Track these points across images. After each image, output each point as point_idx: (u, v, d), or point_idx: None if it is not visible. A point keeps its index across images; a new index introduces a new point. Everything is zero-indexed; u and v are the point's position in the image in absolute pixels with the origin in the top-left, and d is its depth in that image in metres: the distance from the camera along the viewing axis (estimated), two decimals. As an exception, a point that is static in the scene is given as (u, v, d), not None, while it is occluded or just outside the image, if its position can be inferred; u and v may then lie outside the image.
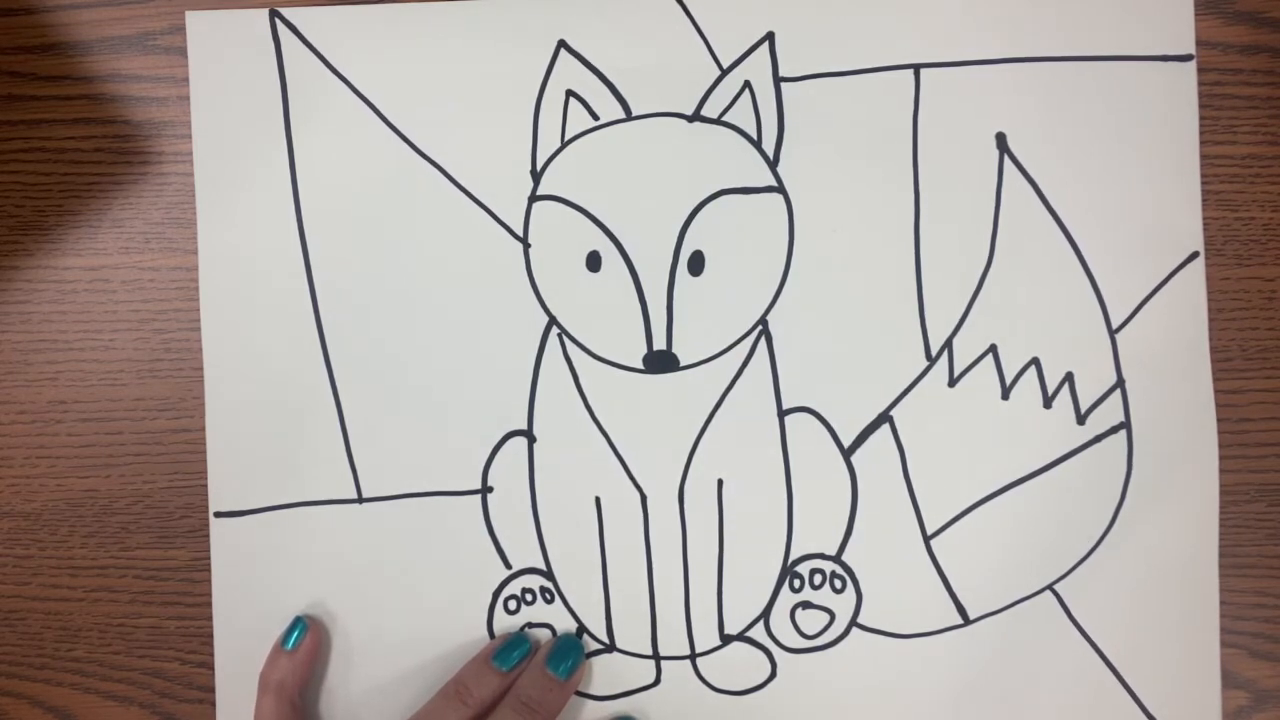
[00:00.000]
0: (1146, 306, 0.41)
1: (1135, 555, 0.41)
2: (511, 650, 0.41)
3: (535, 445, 0.42)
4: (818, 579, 0.42)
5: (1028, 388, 0.41)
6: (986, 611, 0.41)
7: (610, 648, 0.42)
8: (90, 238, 0.43)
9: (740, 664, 0.42)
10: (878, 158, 0.41)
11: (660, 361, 0.42)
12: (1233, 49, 0.41)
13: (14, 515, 0.43)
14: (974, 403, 0.41)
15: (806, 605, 0.42)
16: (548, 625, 0.42)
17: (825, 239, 0.41)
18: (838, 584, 0.42)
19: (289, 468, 0.42)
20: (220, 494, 0.42)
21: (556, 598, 0.42)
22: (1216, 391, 0.41)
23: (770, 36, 0.41)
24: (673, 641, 0.42)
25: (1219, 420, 0.41)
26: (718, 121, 0.41)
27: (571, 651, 0.41)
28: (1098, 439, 0.41)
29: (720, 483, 0.42)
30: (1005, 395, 0.41)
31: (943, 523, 0.41)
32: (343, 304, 0.42)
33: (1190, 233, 0.41)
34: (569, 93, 0.42)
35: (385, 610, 0.42)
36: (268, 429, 0.42)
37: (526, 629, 0.42)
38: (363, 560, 0.42)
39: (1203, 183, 0.41)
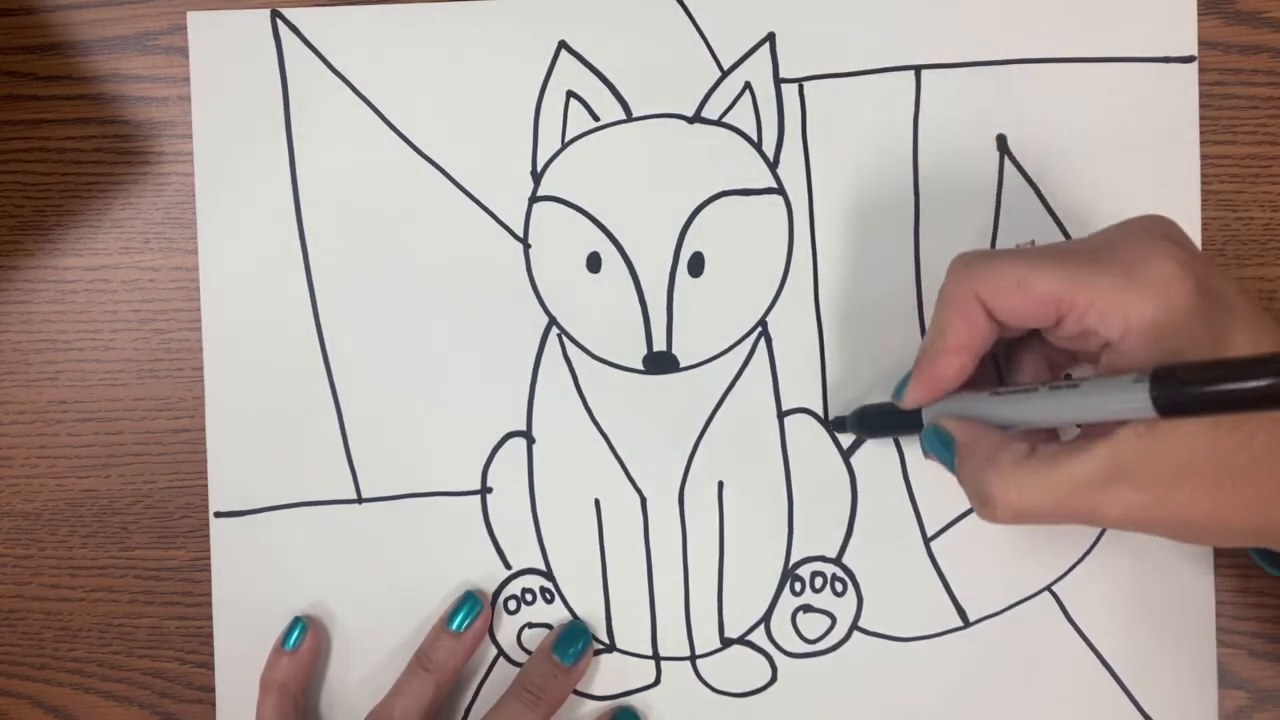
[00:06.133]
0: (1146, 308, 0.41)
1: (1132, 556, 0.41)
2: (460, 613, 0.41)
3: (535, 446, 0.42)
4: (818, 582, 0.42)
5: (1028, 389, 0.41)
6: (986, 614, 0.41)
7: (610, 648, 0.42)
8: (90, 238, 0.43)
9: (740, 667, 0.42)
10: (878, 159, 0.41)
11: (660, 362, 0.42)
12: (1233, 49, 0.41)
13: (14, 515, 0.43)
14: (974, 404, 0.41)
15: (807, 609, 0.42)
16: (547, 625, 0.42)
17: (825, 239, 0.41)
18: (838, 587, 0.41)
19: (289, 468, 0.42)
20: (220, 494, 0.42)
21: (556, 598, 0.42)
22: (1216, 393, 0.41)
23: (770, 37, 0.41)
24: (673, 643, 0.42)
25: (1218, 421, 0.41)
26: (718, 123, 0.41)
27: (579, 637, 0.41)
28: (1097, 440, 0.41)
29: (720, 485, 0.42)
30: (1005, 396, 0.41)
31: (942, 525, 0.41)
32: (342, 304, 0.42)
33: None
34: (569, 93, 0.42)
35: (385, 610, 0.42)
36: (268, 429, 0.42)
37: (526, 629, 0.42)
38: (363, 560, 0.42)
39: (1203, 183, 0.41)
